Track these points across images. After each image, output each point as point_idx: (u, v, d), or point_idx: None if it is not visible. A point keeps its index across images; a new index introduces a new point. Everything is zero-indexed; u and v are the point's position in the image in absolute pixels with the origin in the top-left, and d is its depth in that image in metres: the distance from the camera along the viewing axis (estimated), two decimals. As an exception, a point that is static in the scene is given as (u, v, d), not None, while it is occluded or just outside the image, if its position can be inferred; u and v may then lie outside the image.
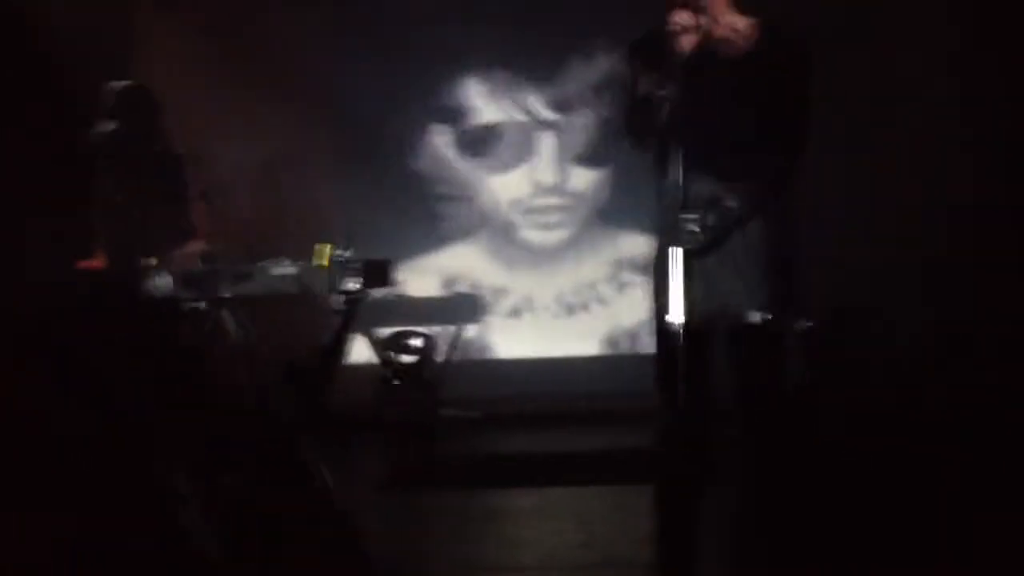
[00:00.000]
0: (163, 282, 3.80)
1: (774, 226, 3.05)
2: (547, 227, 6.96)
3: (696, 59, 2.93)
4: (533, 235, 6.97)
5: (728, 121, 2.96)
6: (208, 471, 3.95)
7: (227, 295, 3.85)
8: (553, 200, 6.94)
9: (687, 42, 2.91)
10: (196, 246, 4.41)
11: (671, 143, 2.88)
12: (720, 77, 2.99)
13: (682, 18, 2.91)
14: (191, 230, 4.46)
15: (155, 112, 4.49)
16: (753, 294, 3.02)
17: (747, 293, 3.01)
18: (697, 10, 2.93)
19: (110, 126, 4.35)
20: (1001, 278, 5.93)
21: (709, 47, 2.99)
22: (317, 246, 3.72)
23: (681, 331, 2.83)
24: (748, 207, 2.99)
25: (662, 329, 2.99)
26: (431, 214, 6.89)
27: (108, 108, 4.40)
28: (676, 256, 2.85)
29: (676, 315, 2.84)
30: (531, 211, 6.96)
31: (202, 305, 3.84)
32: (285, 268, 3.74)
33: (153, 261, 4.05)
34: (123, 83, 4.52)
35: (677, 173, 2.87)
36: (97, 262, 4.33)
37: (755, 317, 3.01)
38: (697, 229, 2.90)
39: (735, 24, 3.04)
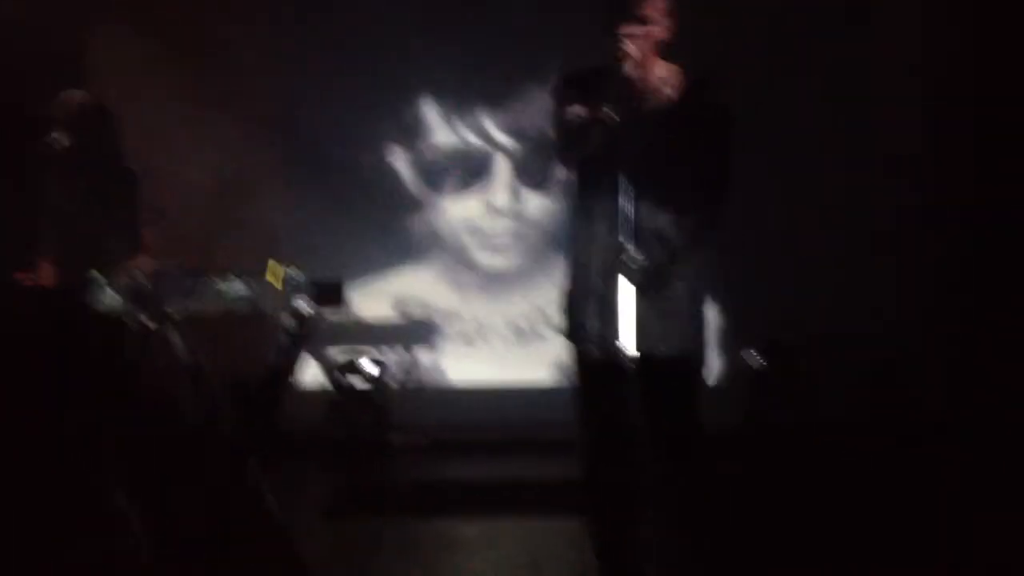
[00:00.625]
0: (110, 296, 3.74)
1: (702, 267, 3.11)
2: (499, 249, 6.95)
3: (634, 90, 3.00)
4: (485, 257, 6.96)
5: (663, 158, 3.01)
6: (151, 489, 3.88)
7: (175, 311, 3.79)
8: (506, 223, 6.93)
9: (632, 69, 2.96)
10: (144, 261, 4.34)
11: (608, 168, 2.92)
12: (652, 116, 3.06)
13: (631, 46, 2.96)
14: (139, 245, 4.39)
15: (110, 125, 4.42)
16: (686, 333, 3.06)
17: (681, 331, 3.05)
18: (635, 45, 2.98)
19: (64, 137, 4.27)
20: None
21: (644, 84, 3.05)
22: (270, 263, 3.68)
23: (633, 362, 2.84)
24: (688, 244, 3.04)
25: (587, 357, 3.02)
26: (384, 235, 6.84)
27: (62, 119, 4.32)
28: (627, 287, 2.87)
29: (629, 345, 2.85)
30: (483, 233, 6.95)
31: (149, 321, 3.78)
32: (235, 286, 3.69)
33: (100, 276, 3.99)
34: (79, 94, 4.44)
35: (619, 201, 2.89)
36: (41, 274, 4.24)
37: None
38: (643, 262, 2.91)
39: (662, 71, 3.11)
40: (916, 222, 6.23)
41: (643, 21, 3.00)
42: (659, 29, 3.04)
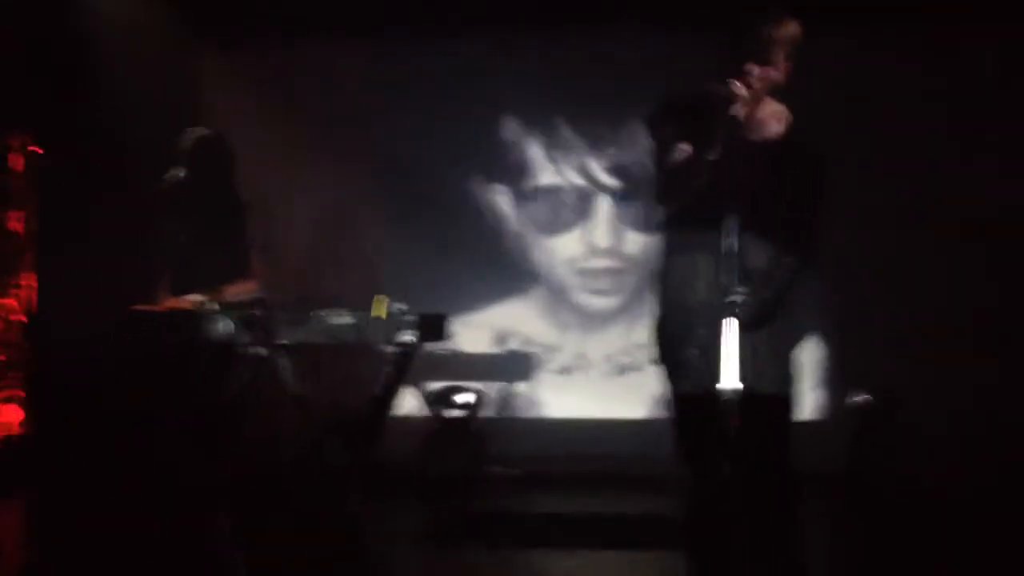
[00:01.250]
0: (223, 325, 3.85)
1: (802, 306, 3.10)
2: (599, 292, 6.98)
3: (740, 129, 2.98)
4: (585, 298, 6.99)
5: (767, 197, 2.99)
6: (254, 517, 3.97)
7: (285, 342, 3.88)
8: (607, 263, 6.96)
9: (742, 110, 2.95)
10: (250, 287, 4.44)
11: (715, 209, 2.88)
12: (756, 155, 3.03)
13: (739, 89, 2.96)
14: (251, 275, 4.50)
15: (228, 160, 4.55)
16: (786, 372, 3.05)
17: (781, 370, 3.04)
18: (748, 87, 2.97)
19: (182, 172, 4.41)
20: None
21: (751, 124, 3.03)
22: (376, 297, 3.75)
23: (736, 402, 2.83)
24: (788, 283, 3.02)
25: (694, 396, 3.01)
26: (486, 270, 6.92)
27: (182, 154, 4.46)
28: (731, 326, 2.85)
29: (732, 384, 2.84)
30: (584, 273, 6.99)
31: (260, 350, 3.88)
32: (343, 318, 3.77)
33: (214, 305, 4.10)
34: (199, 130, 4.59)
35: (722, 238, 2.88)
36: (159, 306, 4.39)
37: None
38: (751, 300, 2.90)
39: (773, 109, 3.10)
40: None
41: (765, 63, 2.99)
42: (777, 72, 3.03)
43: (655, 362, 3.22)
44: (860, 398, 6.27)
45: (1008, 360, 6.00)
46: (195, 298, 4.18)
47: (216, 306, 4.09)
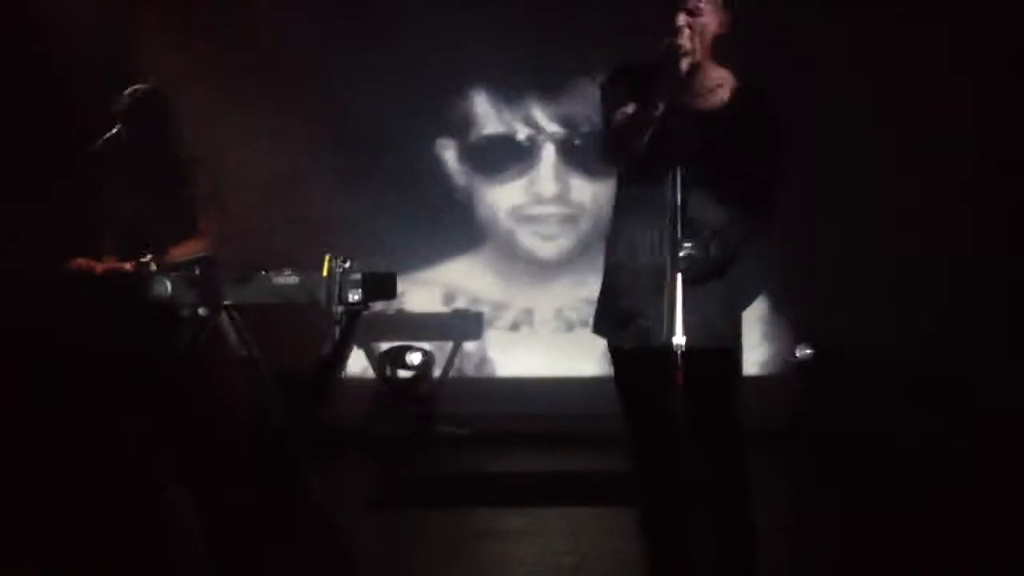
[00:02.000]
0: (162, 286, 3.77)
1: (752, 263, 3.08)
2: (547, 237, 6.97)
3: (687, 88, 2.96)
4: (533, 243, 6.98)
5: (714, 158, 2.95)
6: (202, 480, 3.92)
7: (228, 301, 3.82)
8: (553, 209, 6.95)
9: (685, 65, 2.93)
10: (197, 246, 4.37)
11: (662, 167, 2.87)
12: (703, 117, 3.01)
13: (684, 39, 2.93)
14: (193, 232, 4.42)
15: (165, 113, 4.46)
16: (731, 327, 3.05)
17: (727, 325, 3.03)
18: (687, 40, 2.95)
19: (118, 128, 4.32)
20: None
21: (694, 79, 3.01)
22: (324, 256, 3.69)
23: (679, 355, 2.82)
24: (739, 241, 3.01)
25: (631, 349, 3.01)
26: (433, 226, 6.88)
27: (120, 110, 4.37)
28: (676, 280, 2.84)
29: (677, 338, 2.82)
30: (531, 220, 6.98)
31: (202, 311, 3.81)
32: (288, 277, 3.71)
33: (152, 265, 4.03)
34: (139, 86, 4.48)
35: (673, 194, 2.86)
36: (99, 262, 4.30)
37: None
38: (699, 256, 2.88)
39: (715, 72, 3.07)
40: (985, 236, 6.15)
41: (696, 13, 2.95)
42: (714, 22, 2.99)
43: (597, 321, 3.20)
44: (805, 352, 6.34)
45: (953, 312, 6.08)
46: (138, 261, 4.10)
47: (154, 267, 4.01)
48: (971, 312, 6.08)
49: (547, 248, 7.01)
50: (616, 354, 3.13)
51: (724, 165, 2.97)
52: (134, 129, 4.33)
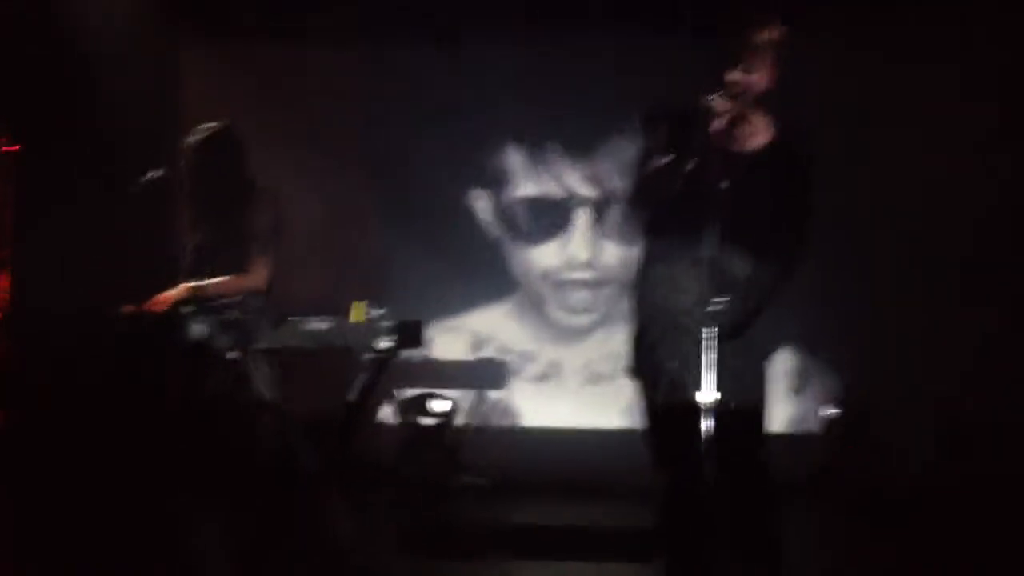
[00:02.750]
0: (197, 329, 3.81)
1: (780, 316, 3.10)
2: (576, 312, 6.98)
3: (721, 141, 2.98)
4: (562, 316, 7.00)
5: (748, 208, 2.97)
6: (227, 521, 3.94)
7: (260, 346, 3.85)
8: (585, 275, 6.97)
9: (717, 125, 2.95)
10: (239, 283, 4.27)
11: (694, 218, 2.89)
12: (739, 166, 3.01)
13: (719, 103, 2.96)
14: (244, 269, 4.32)
15: (235, 151, 4.35)
16: (761, 380, 3.04)
17: (757, 378, 3.04)
18: (731, 98, 2.97)
19: (192, 163, 4.26)
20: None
21: (733, 134, 3.03)
22: (354, 303, 3.74)
23: (710, 412, 2.82)
24: (768, 293, 3.02)
25: (670, 405, 3.01)
26: (464, 278, 6.91)
27: (192, 148, 4.28)
28: (710, 336, 2.84)
29: (707, 395, 2.83)
30: (562, 286, 6.99)
31: (235, 354, 3.84)
32: (320, 323, 3.75)
33: (189, 306, 4.05)
34: (208, 124, 4.44)
35: (702, 248, 2.88)
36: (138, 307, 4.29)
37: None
38: (727, 309, 2.89)
39: (758, 120, 3.08)
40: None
41: (749, 72, 2.97)
42: (764, 80, 3.01)
43: (629, 371, 3.21)
44: (832, 410, 6.31)
45: (981, 370, 6.04)
46: (182, 289, 4.07)
47: (191, 306, 4.02)
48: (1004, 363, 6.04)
49: (577, 320, 7.02)
50: (648, 404, 3.13)
51: (759, 215, 2.98)
52: (207, 163, 4.26)
